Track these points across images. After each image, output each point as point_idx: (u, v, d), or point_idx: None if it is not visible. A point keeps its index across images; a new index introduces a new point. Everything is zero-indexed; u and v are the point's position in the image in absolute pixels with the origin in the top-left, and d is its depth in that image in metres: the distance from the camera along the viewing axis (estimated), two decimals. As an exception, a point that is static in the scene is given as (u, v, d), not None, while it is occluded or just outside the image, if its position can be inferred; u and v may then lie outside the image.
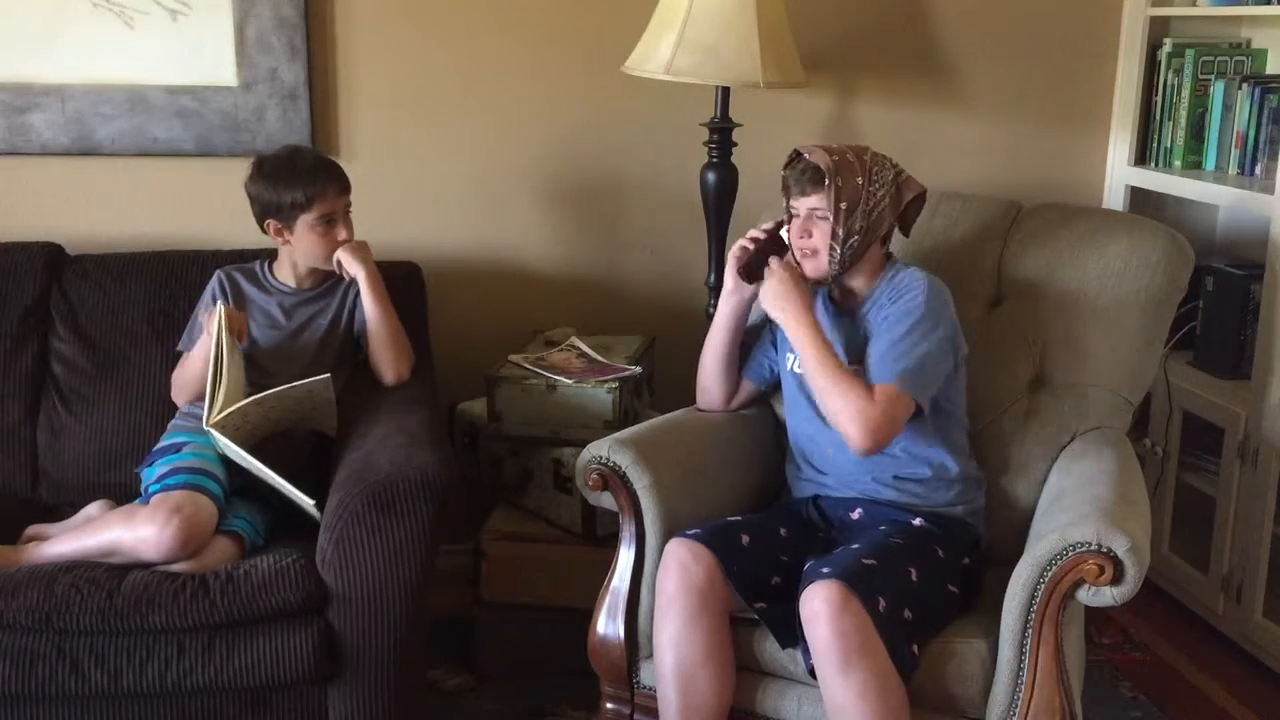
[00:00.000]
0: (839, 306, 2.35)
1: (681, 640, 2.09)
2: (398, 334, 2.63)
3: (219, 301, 2.53)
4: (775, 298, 2.25)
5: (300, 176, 2.54)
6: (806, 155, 2.25)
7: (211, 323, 2.43)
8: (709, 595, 2.08)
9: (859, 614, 1.92)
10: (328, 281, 2.67)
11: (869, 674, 1.92)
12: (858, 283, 2.31)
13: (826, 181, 2.20)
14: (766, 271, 2.28)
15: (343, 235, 2.59)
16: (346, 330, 2.67)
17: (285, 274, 2.66)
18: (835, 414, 2.16)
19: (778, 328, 2.33)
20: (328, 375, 2.44)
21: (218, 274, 2.67)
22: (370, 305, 2.60)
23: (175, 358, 2.65)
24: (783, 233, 2.32)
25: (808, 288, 2.27)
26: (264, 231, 2.61)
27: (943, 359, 2.22)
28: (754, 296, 2.35)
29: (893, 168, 2.28)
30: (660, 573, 2.14)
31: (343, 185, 2.60)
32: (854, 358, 2.27)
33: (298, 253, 2.61)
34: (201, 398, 2.41)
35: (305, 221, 2.55)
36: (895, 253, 2.37)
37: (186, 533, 2.24)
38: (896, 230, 2.34)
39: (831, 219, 2.21)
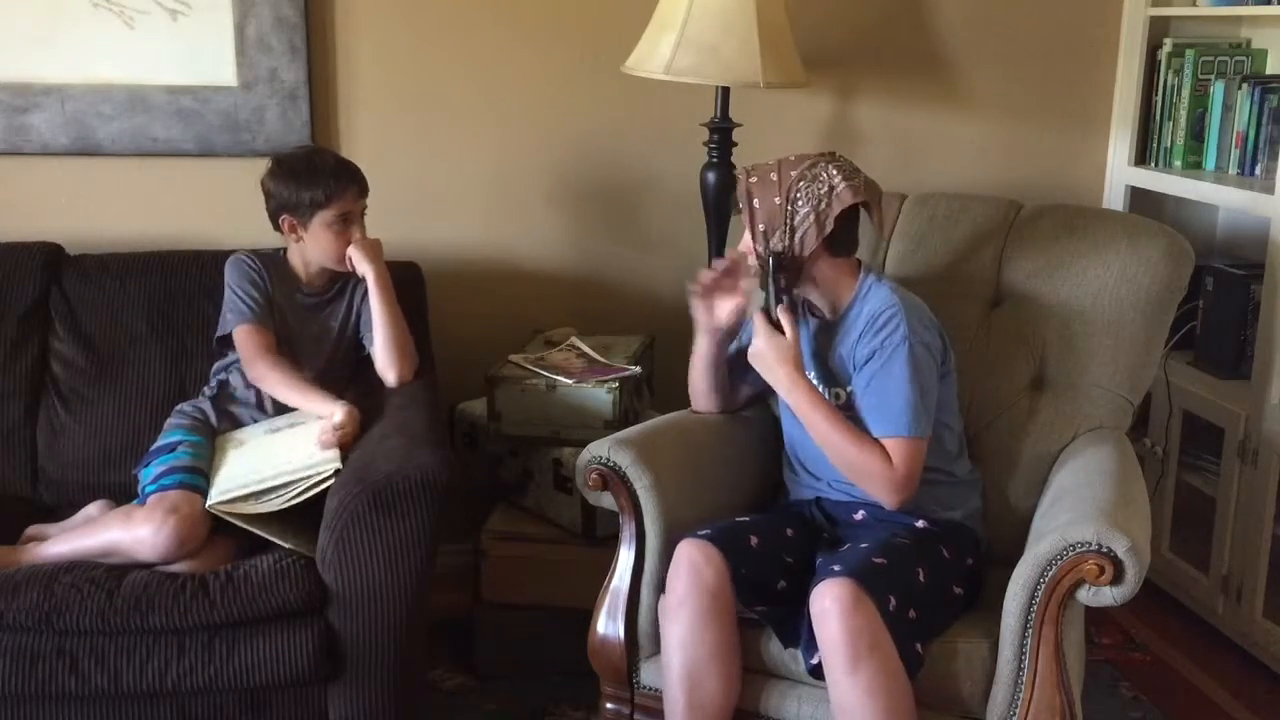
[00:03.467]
0: (811, 315, 2.33)
1: (691, 641, 2.09)
2: (403, 335, 2.62)
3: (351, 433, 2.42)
4: (763, 363, 2.23)
5: (321, 175, 2.54)
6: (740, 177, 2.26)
7: (336, 431, 2.38)
8: (719, 596, 2.08)
9: (870, 612, 1.92)
10: (336, 284, 2.67)
11: (878, 672, 1.93)
12: (825, 292, 2.28)
13: (741, 205, 2.23)
14: (754, 334, 2.24)
15: (357, 236, 2.59)
16: (354, 334, 2.67)
17: (295, 271, 2.66)
18: (859, 481, 2.17)
19: None
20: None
21: (246, 258, 2.61)
22: (377, 304, 2.58)
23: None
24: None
25: (791, 339, 2.21)
26: (277, 228, 2.60)
27: (935, 382, 2.20)
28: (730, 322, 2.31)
29: (829, 179, 2.18)
30: (670, 573, 2.13)
31: (362, 187, 2.60)
32: (830, 373, 2.28)
33: (310, 251, 2.61)
34: (275, 407, 2.53)
35: (322, 220, 2.55)
36: (868, 259, 2.35)
37: (183, 533, 2.24)
38: (890, 228, 2.33)
39: (752, 240, 2.23)
